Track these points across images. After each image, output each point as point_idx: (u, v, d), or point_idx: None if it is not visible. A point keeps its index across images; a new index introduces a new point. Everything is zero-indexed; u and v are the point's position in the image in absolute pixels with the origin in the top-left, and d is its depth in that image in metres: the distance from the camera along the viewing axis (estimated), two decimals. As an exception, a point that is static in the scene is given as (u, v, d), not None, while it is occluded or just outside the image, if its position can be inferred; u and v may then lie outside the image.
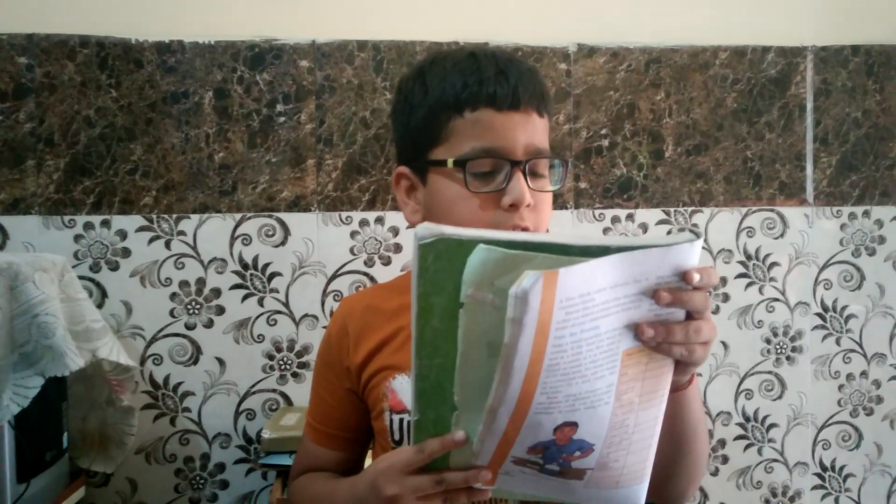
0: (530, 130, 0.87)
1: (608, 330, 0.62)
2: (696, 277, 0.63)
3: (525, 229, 0.84)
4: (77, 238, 1.54)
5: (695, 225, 1.71)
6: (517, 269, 0.59)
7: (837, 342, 1.77)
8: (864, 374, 1.78)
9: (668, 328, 0.64)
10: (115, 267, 1.55)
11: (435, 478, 0.70)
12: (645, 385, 0.66)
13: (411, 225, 0.94)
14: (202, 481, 1.59)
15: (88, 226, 1.55)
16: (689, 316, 0.66)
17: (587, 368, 0.62)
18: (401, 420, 0.91)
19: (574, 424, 0.64)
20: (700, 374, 1.71)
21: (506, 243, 0.61)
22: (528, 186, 0.84)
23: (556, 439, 0.65)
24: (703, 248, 1.69)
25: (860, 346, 1.78)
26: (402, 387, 0.92)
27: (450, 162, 0.86)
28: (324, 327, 1.60)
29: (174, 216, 1.57)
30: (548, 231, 0.91)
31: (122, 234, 1.56)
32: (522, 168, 0.85)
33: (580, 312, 0.59)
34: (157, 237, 1.57)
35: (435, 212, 0.88)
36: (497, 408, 0.62)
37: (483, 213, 0.85)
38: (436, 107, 0.88)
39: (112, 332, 1.44)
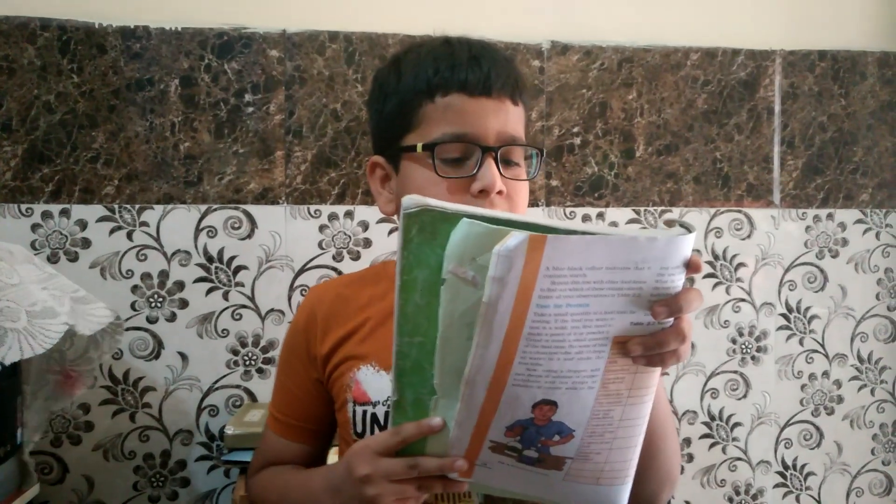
0: (503, 117, 0.86)
1: (599, 311, 0.61)
2: (702, 265, 0.63)
3: None
4: (34, 227, 1.49)
5: (671, 221, 1.72)
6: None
7: (801, 342, 1.79)
8: (825, 374, 1.81)
9: (660, 339, 0.63)
10: (74, 258, 1.51)
11: (409, 462, 0.69)
12: (637, 379, 0.65)
13: (385, 216, 0.93)
14: (162, 479, 1.55)
15: (47, 215, 1.50)
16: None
17: (571, 346, 0.61)
18: (364, 412, 0.90)
19: (553, 404, 0.63)
20: (667, 374, 1.72)
21: (490, 220, 0.60)
22: (500, 174, 0.84)
23: (534, 418, 0.64)
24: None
25: (822, 346, 1.81)
26: (366, 378, 0.90)
27: (419, 147, 0.85)
28: (290, 322, 1.57)
29: (137, 206, 1.53)
30: None
31: (82, 224, 1.51)
32: (494, 155, 0.84)
33: (568, 286, 0.59)
34: (119, 228, 1.52)
35: None
36: (474, 377, 0.61)
37: (451, 198, 0.83)
38: (408, 93, 0.87)
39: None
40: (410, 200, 0.63)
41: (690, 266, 0.62)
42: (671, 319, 0.64)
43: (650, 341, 0.63)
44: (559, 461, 0.67)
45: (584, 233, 0.59)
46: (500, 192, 0.83)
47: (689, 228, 0.61)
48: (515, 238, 0.56)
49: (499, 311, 0.58)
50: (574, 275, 0.58)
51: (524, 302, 0.58)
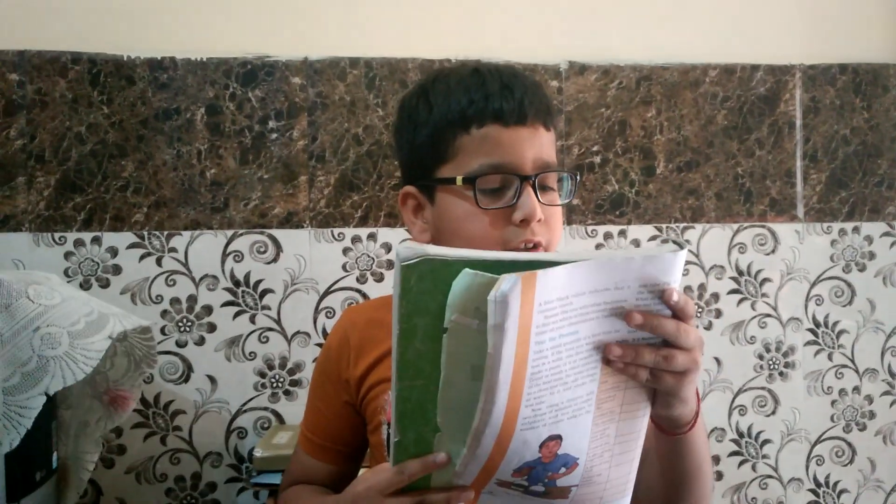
0: (538, 144, 0.86)
1: (588, 335, 0.61)
2: (674, 297, 0.63)
3: (537, 244, 0.84)
4: (67, 255, 1.53)
5: (686, 241, 1.72)
6: None
7: (829, 357, 1.77)
8: (856, 389, 1.78)
9: (636, 349, 0.64)
10: (105, 284, 1.54)
11: (415, 499, 0.69)
12: (627, 395, 0.65)
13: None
14: (193, 501, 1.57)
15: (79, 243, 1.54)
16: (667, 342, 0.65)
17: (568, 375, 0.61)
18: None
19: (558, 438, 0.63)
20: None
21: (493, 263, 0.60)
22: (539, 201, 0.84)
23: (542, 457, 0.64)
24: (696, 264, 1.70)
25: (852, 361, 1.78)
26: None
27: (459, 179, 0.85)
28: (317, 344, 1.59)
29: (165, 233, 1.56)
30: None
31: (113, 251, 1.55)
32: (532, 183, 0.84)
33: (559, 316, 0.59)
34: (149, 254, 1.56)
35: (444, 230, 0.88)
36: (483, 429, 0.61)
37: (494, 231, 0.84)
38: (441, 124, 0.87)
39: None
40: (408, 250, 0.61)
41: (664, 294, 0.63)
42: (657, 338, 0.65)
43: (629, 349, 0.63)
44: (565, 490, 0.67)
45: (573, 261, 0.59)
46: (539, 220, 0.84)
47: (680, 245, 0.62)
48: (508, 281, 0.56)
49: (503, 359, 0.58)
50: (563, 305, 0.59)
51: (524, 343, 0.58)
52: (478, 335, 0.59)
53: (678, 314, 0.64)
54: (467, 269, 0.60)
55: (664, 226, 1.71)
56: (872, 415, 1.79)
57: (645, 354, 0.64)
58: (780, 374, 1.75)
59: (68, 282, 1.51)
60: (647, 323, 0.63)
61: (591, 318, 0.61)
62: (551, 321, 0.59)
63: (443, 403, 0.64)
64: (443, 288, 0.61)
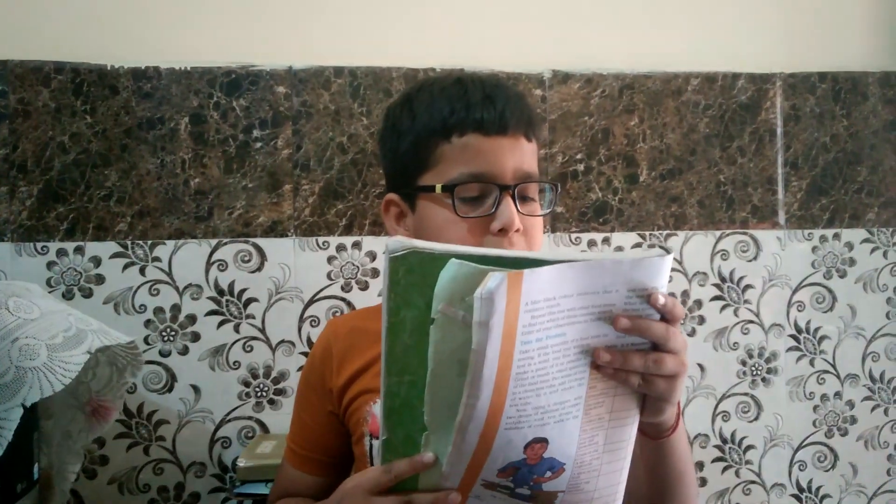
0: (518, 155, 0.87)
1: (575, 339, 0.61)
2: (661, 300, 0.64)
3: None
4: (50, 265, 1.52)
5: (670, 248, 1.73)
6: None
7: (811, 363, 1.79)
8: (837, 394, 1.80)
9: (625, 355, 0.64)
10: (88, 294, 1.54)
11: (402, 499, 0.69)
12: (616, 402, 0.66)
13: None
14: (177, 511, 1.56)
15: (62, 252, 1.53)
16: (656, 347, 0.66)
17: (554, 378, 0.61)
18: None
19: (544, 441, 0.63)
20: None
21: (478, 258, 0.61)
22: (518, 211, 0.85)
23: (526, 458, 0.64)
24: (679, 271, 1.72)
25: (833, 367, 1.80)
26: None
27: (438, 187, 0.86)
28: (301, 353, 1.59)
29: (149, 242, 1.56)
30: None
31: (96, 261, 1.54)
32: (511, 192, 0.85)
33: (546, 317, 0.59)
34: (132, 263, 1.55)
35: (424, 238, 0.88)
36: (466, 424, 0.61)
37: (472, 238, 0.85)
38: (423, 133, 0.88)
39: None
40: (396, 243, 0.63)
41: (650, 298, 0.63)
42: (645, 342, 0.65)
43: (617, 354, 0.64)
44: (551, 496, 0.67)
45: (572, 261, 0.60)
46: (517, 230, 0.84)
47: (667, 250, 0.63)
48: (494, 279, 0.56)
49: (488, 356, 0.58)
50: (549, 305, 0.59)
51: (510, 342, 0.58)
52: (464, 327, 0.59)
53: (666, 316, 0.65)
54: (454, 260, 0.60)
55: (647, 233, 1.73)
56: (854, 420, 1.81)
57: (634, 359, 0.64)
58: (763, 379, 1.76)
59: (50, 292, 1.50)
60: (635, 326, 0.63)
61: (578, 321, 0.61)
62: (538, 321, 0.59)
63: (430, 399, 0.64)
64: (430, 282, 0.61)
